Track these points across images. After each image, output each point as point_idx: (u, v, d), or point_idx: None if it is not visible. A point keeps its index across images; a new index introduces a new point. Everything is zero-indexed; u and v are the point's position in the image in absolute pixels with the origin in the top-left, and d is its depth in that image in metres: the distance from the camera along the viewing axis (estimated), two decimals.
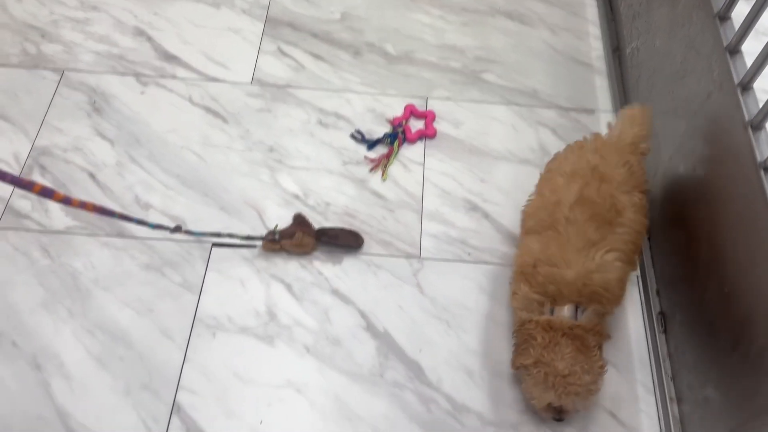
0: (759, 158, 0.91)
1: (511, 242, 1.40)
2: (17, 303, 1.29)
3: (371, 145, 1.54)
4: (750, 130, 0.94)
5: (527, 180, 1.48)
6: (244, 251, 1.36)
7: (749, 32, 0.99)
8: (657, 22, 1.38)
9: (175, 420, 1.18)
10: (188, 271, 1.34)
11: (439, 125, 1.58)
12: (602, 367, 1.07)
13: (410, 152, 1.54)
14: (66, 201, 1.04)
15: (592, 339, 1.05)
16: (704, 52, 1.11)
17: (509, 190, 1.48)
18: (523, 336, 1.09)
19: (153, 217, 1.40)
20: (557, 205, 1.13)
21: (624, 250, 1.10)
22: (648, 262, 1.35)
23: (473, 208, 1.46)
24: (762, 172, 0.91)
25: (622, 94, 1.56)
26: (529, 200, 1.27)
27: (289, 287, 1.33)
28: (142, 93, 1.59)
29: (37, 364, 1.23)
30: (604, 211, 1.10)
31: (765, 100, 0.92)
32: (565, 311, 1.09)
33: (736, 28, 1.02)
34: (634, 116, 1.21)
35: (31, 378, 1.21)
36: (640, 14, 1.49)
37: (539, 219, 1.16)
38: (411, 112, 1.59)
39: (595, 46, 1.71)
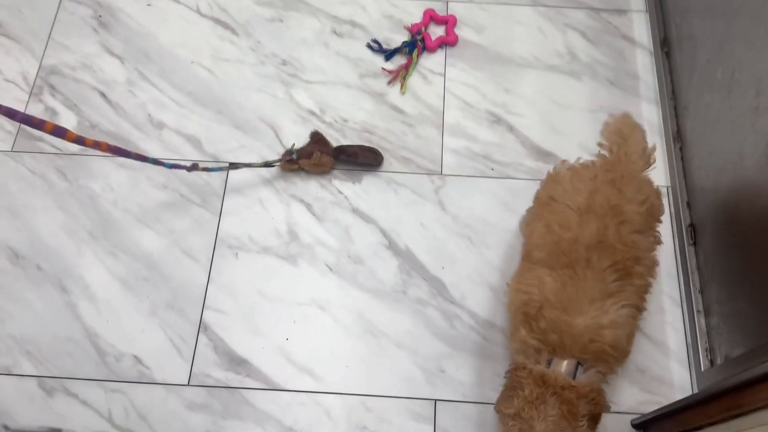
0: None
1: (537, 156, 1.35)
2: (38, 227, 1.29)
3: (389, 55, 1.47)
4: None
5: (554, 89, 1.42)
6: (263, 171, 1.33)
7: None
8: None
9: (202, 338, 1.20)
10: (207, 191, 1.33)
11: (461, 31, 1.49)
12: None
13: (430, 62, 1.47)
14: (79, 141, 1.00)
15: (583, 407, 0.91)
16: None
17: (535, 101, 1.42)
18: (512, 381, 0.96)
19: (167, 137, 1.37)
20: (574, 243, 0.98)
21: (638, 303, 0.99)
22: (679, 172, 1.29)
23: (497, 120, 1.40)
24: None
25: None
26: (526, 214, 1.19)
27: (309, 207, 1.31)
28: (149, 5, 1.52)
29: (63, 287, 1.24)
30: (624, 259, 0.97)
31: None
32: (564, 366, 0.94)
33: None
34: (621, 130, 1.08)
35: (58, 300, 1.23)
36: None
37: (552, 253, 1.00)
38: (431, 17, 1.50)
39: None
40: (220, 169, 1.26)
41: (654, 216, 1.04)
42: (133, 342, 1.20)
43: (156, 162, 1.16)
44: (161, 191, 1.33)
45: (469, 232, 1.30)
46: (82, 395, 1.16)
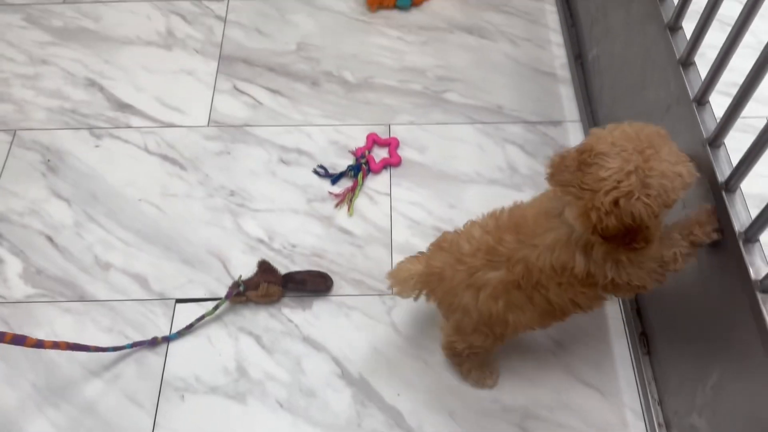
0: (720, 178, 0.86)
1: None
2: None
3: (335, 179, 1.50)
4: (708, 148, 0.89)
5: (498, 202, 1.42)
6: (209, 304, 1.31)
7: (699, 44, 0.94)
8: (614, 28, 1.34)
9: None
10: (152, 331, 1.30)
11: (404, 152, 1.53)
12: None
13: (376, 183, 1.49)
14: (39, 345, 1.07)
15: None
16: (660, 63, 1.07)
17: (480, 214, 1.43)
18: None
19: (113, 278, 1.36)
20: None
21: None
22: None
23: None
24: (723, 193, 0.86)
25: (588, 104, 1.51)
26: None
27: (258, 339, 1.29)
28: (97, 146, 1.55)
29: None
30: None
31: (722, 114, 0.87)
32: None
33: (688, 39, 0.97)
34: None
35: None
36: (598, 20, 1.45)
37: None
38: (374, 140, 1.54)
39: (557, 54, 1.67)
40: (178, 335, 1.27)
41: None
42: None
43: (116, 349, 1.23)
44: (107, 334, 1.30)
45: (425, 353, 1.27)
46: None
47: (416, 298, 1.09)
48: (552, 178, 0.84)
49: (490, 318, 0.98)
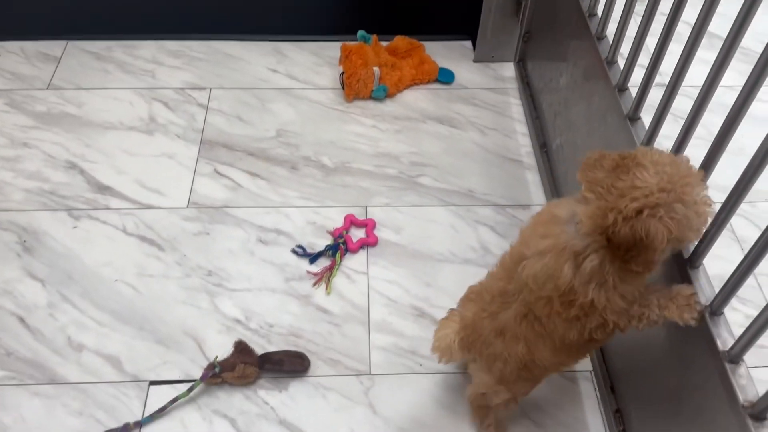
0: (684, 254, 0.92)
1: None
2: None
3: (313, 258, 1.52)
4: None
5: (471, 280, 1.47)
6: (184, 386, 1.29)
7: (657, 134, 1.03)
8: (576, 120, 1.44)
9: None
10: (124, 415, 1.26)
11: (380, 232, 1.58)
12: None
13: (353, 262, 1.52)
14: None
15: None
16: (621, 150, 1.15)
17: (455, 292, 1.45)
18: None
19: (86, 360, 1.34)
20: None
21: None
22: (599, 356, 1.33)
23: (421, 314, 1.44)
24: (688, 269, 0.91)
25: (554, 189, 1.60)
26: None
27: (233, 422, 1.26)
28: (75, 227, 1.56)
29: None
30: None
31: None
32: None
33: (646, 128, 1.06)
34: None
35: None
36: (561, 113, 1.56)
37: None
38: (351, 221, 1.59)
39: (523, 143, 1.77)
40: (151, 418, 1.25)
41: None
42: None
43: None
44: (77, 418, 1.26)
45: None
46: None
47: (467, 356, 1.10)
48: (583, 172, 0.85)
49: (522, 361, 0.99)
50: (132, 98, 1.86)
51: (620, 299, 0.87)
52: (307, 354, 1.35)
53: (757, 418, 0.79)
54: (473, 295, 1.07)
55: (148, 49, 2.00)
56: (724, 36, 0.84)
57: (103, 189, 1.64)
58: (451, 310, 1.15)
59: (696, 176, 0.82)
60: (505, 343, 0.99)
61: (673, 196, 0.77)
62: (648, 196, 0.77)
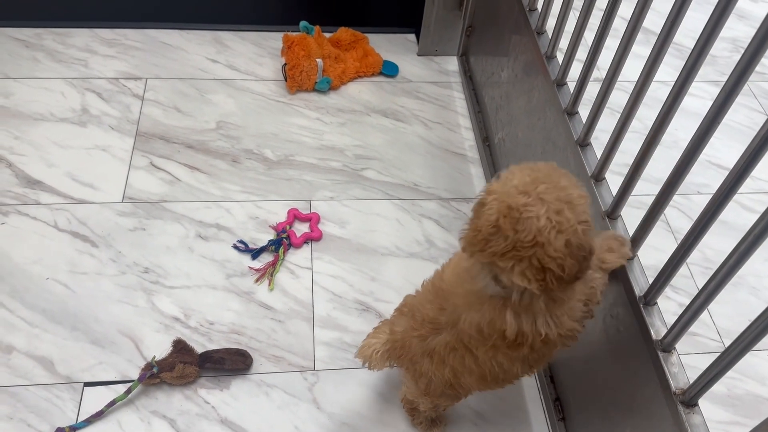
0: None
1: None
2: None
3: (255, 254, 1.49)
4: (607, 220, 0.97)
5: (417, 273, 1.48)
6: (120, 387, 1.25)
7: (594, 128, 1.05)
8: (517, 114, 1.46)
9: None
10: (57, 418, 1.21)
11: (325, 226, 1.56)
12: None
13: (297, 257, 1.50)
14: None
15: None
16: (560, 144, 1.17)
17: (400, 286, 1.47)
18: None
19: (16, 362, 1.27)
20: None
21: None
22: None
23: (366, 309, 1.43)
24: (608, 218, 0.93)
25: None
26: None
27: (172, 423, 1.23)
28: (2, 224, 1.48)
29: None
30: None
31: (617, 190, 0.96)
32: None
33: (584, 123, 1.07)
34: None
35: None
36: (502, 107, 1.57)
37: None
38: (294, 215, 1.56)
39: (466, 137, 1.78)
40: (87, 422, 1.20)
41: None
42: None
43: None
44: (6, 423, 1.20)
45: (347, 430, 1.25)
46: None
47: (391, 367, 1.11)
48: (482, 252, 0.76)
49: (448, 383, 0.99)
50: (63, 88, 1.78)
51: (569, 318, 0.85)
52: (249, 351, 1.32)
53: (688, 404, 0.81)
54: (406, 309, 1.04)
55: (80, 37, 1.92)
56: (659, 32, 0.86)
57: (33, 183, 1.56)
58: (383, 321, 1.15)
59: (553, 170, 0.76)
60: (432, 365, 0.98)
61: (568, 206, 0.73)
62: (558, 224, 0.72)
